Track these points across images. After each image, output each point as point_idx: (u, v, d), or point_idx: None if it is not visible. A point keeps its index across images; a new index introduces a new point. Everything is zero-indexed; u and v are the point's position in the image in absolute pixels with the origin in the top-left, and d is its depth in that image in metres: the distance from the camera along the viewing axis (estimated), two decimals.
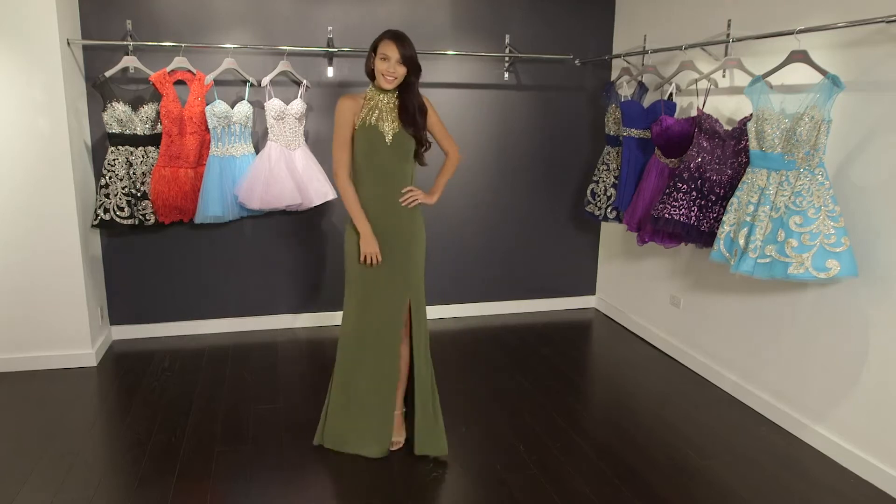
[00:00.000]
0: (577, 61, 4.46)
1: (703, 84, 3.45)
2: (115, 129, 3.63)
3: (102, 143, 3.81)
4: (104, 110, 3.60)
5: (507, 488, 2.60)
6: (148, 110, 3.66)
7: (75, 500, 2.48)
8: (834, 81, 2.58)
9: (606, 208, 4.12)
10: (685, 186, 3.27)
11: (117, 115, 3.60)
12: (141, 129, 3.67)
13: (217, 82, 3.86)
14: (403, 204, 2.68)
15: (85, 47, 3.73)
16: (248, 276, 4.27)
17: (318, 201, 3.91)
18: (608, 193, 4.11)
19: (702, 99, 3.43)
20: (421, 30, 4.13)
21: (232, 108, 3.77)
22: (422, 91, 2.71)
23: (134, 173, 3.70)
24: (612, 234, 4.68)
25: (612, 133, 4.06)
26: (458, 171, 4.39)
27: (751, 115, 2.91)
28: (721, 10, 3.45)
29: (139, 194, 3.72)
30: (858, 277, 2.68)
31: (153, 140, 3.72)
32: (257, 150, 3.95)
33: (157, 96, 3.66)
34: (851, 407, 2.78)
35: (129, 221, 3.70)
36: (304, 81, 3.96)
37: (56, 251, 3.56)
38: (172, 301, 4.18)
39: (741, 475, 2.72)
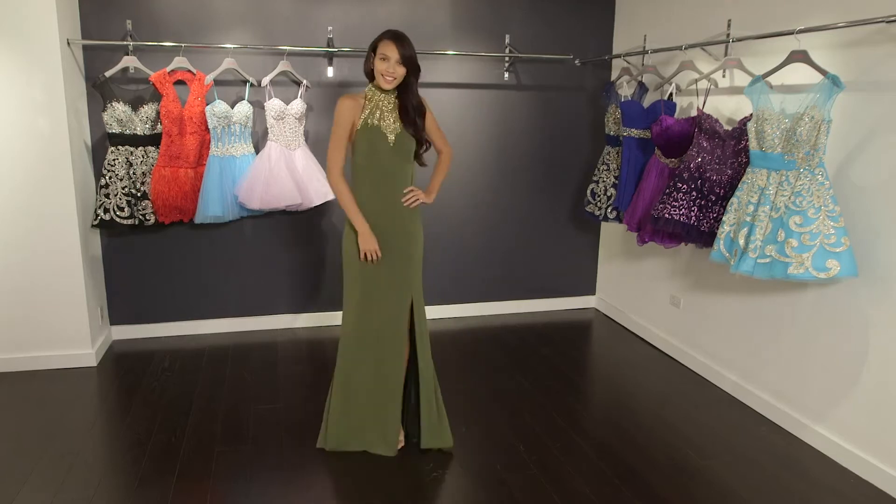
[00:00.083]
0: (577, 61, 4.46)
1: (703, 84, 3.45)
2: (115, 129, 3.63)
3: (102, 143, 3.81)
4: (104, 110, 3.61)
5: (507, 488, 2.60)
6: (148, 110, 3.66)
7: (75, 500, 2.48)
8: (834, 81, 2.58)
9: (606, 208, 4.12)
10: (685, 186, 3.27)
11: (117, 115, 3.60)
12: (141, 129, 3.67)
13: (217, 82, 3.87)
14: (405, 204, 2.68)
15: (85, 47, 3.73)
16: (248, 276, 4.27)
17: (318, 201, 3.91)
18: (608, 193, 4.11)
19: (702, 99, 3.43)
20: (421, 30, 4.13)
21: (232, 108, 3.77)
22: (421, 91, 2.71)
23: (134, 173, 3.70)
24: (612, 234, 4.68)
25: (612, 133, 4.06)
26: (458, 171, 4.40)
27: (751, 115, 2.91)
28: (721, 10, 3.45)
29: (139, 194, 3.72)
30: (858, 277, 2.68)
31: (153, 140, 3.72)
32: (257, 150, 3.95)
33: (157, 96, 3.66)
34: (851, 407, 2.78)
35: (129, 221, 3.70)
36: (304, 81, 3.96)
37: (56, 251, 3.56)
38: (172, 301, 4.18)
39: (741, 475, 2.72)
